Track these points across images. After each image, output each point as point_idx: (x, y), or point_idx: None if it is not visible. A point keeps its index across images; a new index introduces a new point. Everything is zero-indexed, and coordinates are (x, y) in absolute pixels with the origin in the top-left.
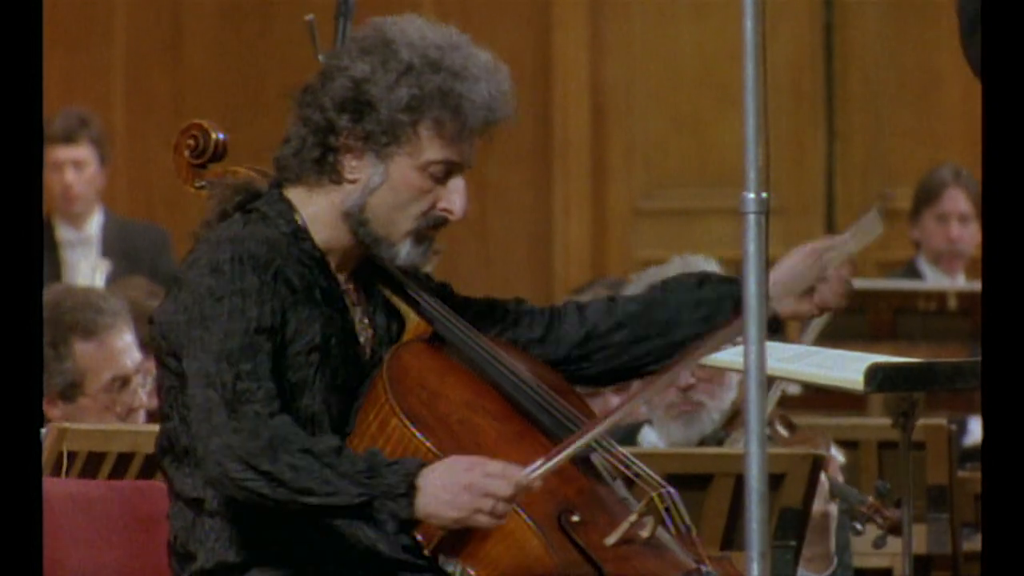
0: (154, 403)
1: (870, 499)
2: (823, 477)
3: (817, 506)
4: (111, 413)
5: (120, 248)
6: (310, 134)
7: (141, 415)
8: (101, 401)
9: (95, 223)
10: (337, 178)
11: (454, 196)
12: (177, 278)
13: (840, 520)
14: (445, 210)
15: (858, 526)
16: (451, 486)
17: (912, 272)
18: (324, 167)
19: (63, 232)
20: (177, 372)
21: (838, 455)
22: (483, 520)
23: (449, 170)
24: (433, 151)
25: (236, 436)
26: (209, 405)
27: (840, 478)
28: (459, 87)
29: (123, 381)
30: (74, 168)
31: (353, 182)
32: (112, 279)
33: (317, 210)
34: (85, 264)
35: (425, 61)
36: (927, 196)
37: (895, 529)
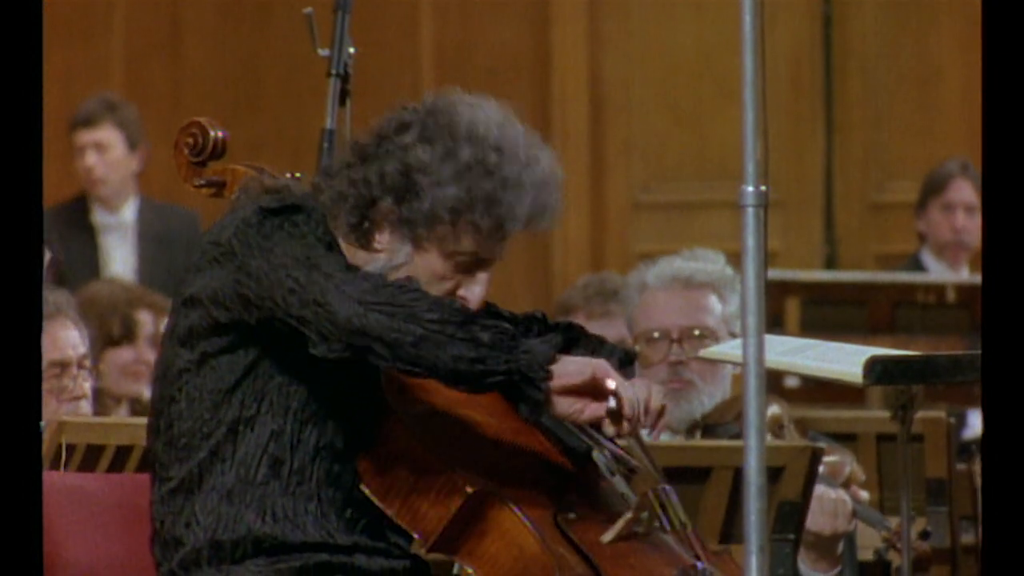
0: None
1: (893, 525)
2: (846, 497)
3: (839, 525)
4: (52, 397)
5: (154, 232)
6: (351, 198)
7: (85, 404)
8: (44, 387)
9: (130, 208)
10: (365, 244)
11: (475, 287)
12: (217, 243)
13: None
14: (461, 297)
15: (881, 552)
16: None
17: (916, 265)
18: (357, 231)
19: (99, 217)
20: (200, 354)
21: (859, 473)
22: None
23: (477, 263)
24: (465, 245)
25: (365, 281)
26: (323, 281)
27: (864, 496)
28: (506, 198)
29: (62, 367)
30: (95, 151)
31: (379, 252)
32: (144, 264)
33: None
34: (120, 251)
35: (482, 163)
36: (933, 187)
37: (921, 562)
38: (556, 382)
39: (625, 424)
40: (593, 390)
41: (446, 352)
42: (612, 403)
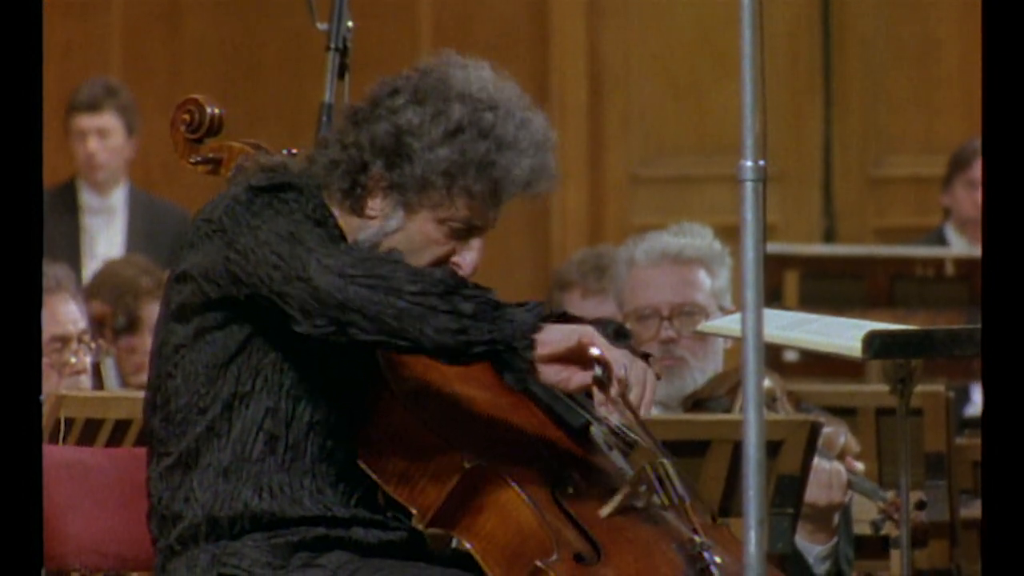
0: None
1: (889, 496)
2: (840, 468)
3: (834, 496)
4: (54, 371)
5: (143, 224)
6: (344, 163)
7: (84, 379)
8: (44, 361)
9: (120, 193)
10: (358, 210)
11: (468, 254)
12: (208, 220)
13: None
14: (455, 263)
15: (877, 523)
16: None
17: (939, 239)
18: (349, 197)
19: (86, 198)
20: (196, 329)
21: (854, 444)
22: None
23: (469, 230)
24: (458, 211)
25: (347, 254)
26: (304, 256)
27: (859, 467)
28: (501, 160)
29: (63, 341)
30: (98, 137)
31: (372, 218)
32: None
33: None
34: (106, 233)
35: (475, 124)
36: (959, 164)
37: (917, 533)
38: (542, 350)
39: (614, 388)
40: (580, 358)
41: (428, 324)
42: (599, 370)
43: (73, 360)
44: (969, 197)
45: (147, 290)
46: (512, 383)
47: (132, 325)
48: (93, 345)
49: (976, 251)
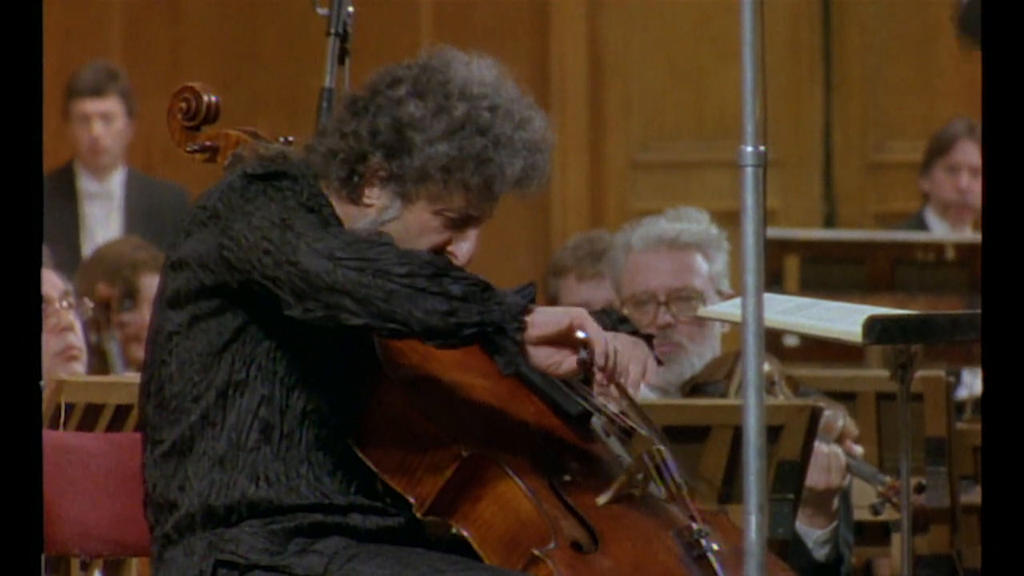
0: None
1: (888, 479)
2: (839, 452)
3: (833, 480)
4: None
5: (142, 205)
6: (342, 152)
7: (73, 337)
8: None
9: (118, 177)
10: (355, 198)
11: (464, 243)
12: (204, 207)
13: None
14: (451, 252)
15: (876, 507)
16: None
17: (919, 223)
18: (346, 185)
19: (85, 183)
20: (190, 316)
21: (852, 428)
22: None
23: (466, 220)
24: (454, 202)
25: (336, 238)
26: (294, 241)
27: (858, 450)
28: (497, 157)
29: (44, 302)
30: (102, 121)
31: (369, 207)
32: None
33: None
34: (105, 219)
35: (474, 121)
36: (939, 147)
37: (917, 517)
38: (532, 332)
39: (599, 373)
40: (572, 341)
41: (417, 306)
42: (584, 353)
43: (54, 320)
44: (950, 182)
45: (143, 261)
46: (502, 367)
47: (132, 299)
48: (74, 305)
49: (959, 235)
